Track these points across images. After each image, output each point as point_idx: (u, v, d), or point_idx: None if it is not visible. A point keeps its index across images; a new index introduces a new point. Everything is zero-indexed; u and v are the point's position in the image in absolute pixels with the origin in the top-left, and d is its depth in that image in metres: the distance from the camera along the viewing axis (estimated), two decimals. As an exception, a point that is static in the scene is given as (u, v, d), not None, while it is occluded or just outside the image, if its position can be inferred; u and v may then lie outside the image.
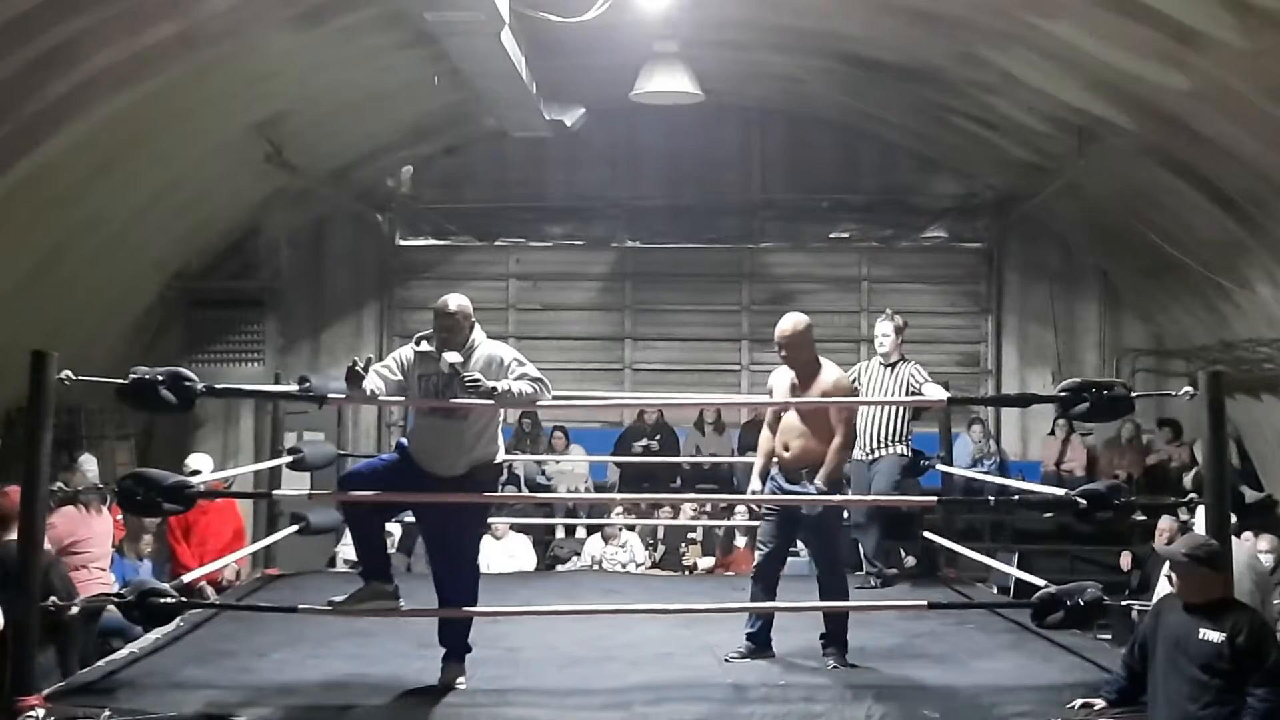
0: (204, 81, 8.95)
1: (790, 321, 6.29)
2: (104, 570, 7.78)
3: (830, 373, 6.27)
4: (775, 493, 6.30)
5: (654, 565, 10.59)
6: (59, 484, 7.66)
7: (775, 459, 6.36)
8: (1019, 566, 9.69)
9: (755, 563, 6.44)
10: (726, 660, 6.07)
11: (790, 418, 6.27)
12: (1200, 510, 5.90)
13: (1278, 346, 10.36)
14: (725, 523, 10.84)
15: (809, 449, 6.18)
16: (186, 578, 6.74)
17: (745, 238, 13.79)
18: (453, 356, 5.44)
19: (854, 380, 8.31)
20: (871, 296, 13.50)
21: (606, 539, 10.51)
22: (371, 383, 5.54)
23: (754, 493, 6.56)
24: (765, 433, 6.51)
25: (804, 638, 6.35)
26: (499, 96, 10.06)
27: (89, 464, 10.23)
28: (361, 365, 5.46)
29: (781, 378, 6.37)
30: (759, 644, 6.17)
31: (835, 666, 6.01)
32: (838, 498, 6.42)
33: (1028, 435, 13.45)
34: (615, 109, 11.76)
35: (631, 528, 10.74)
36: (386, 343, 13.52)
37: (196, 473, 8.29)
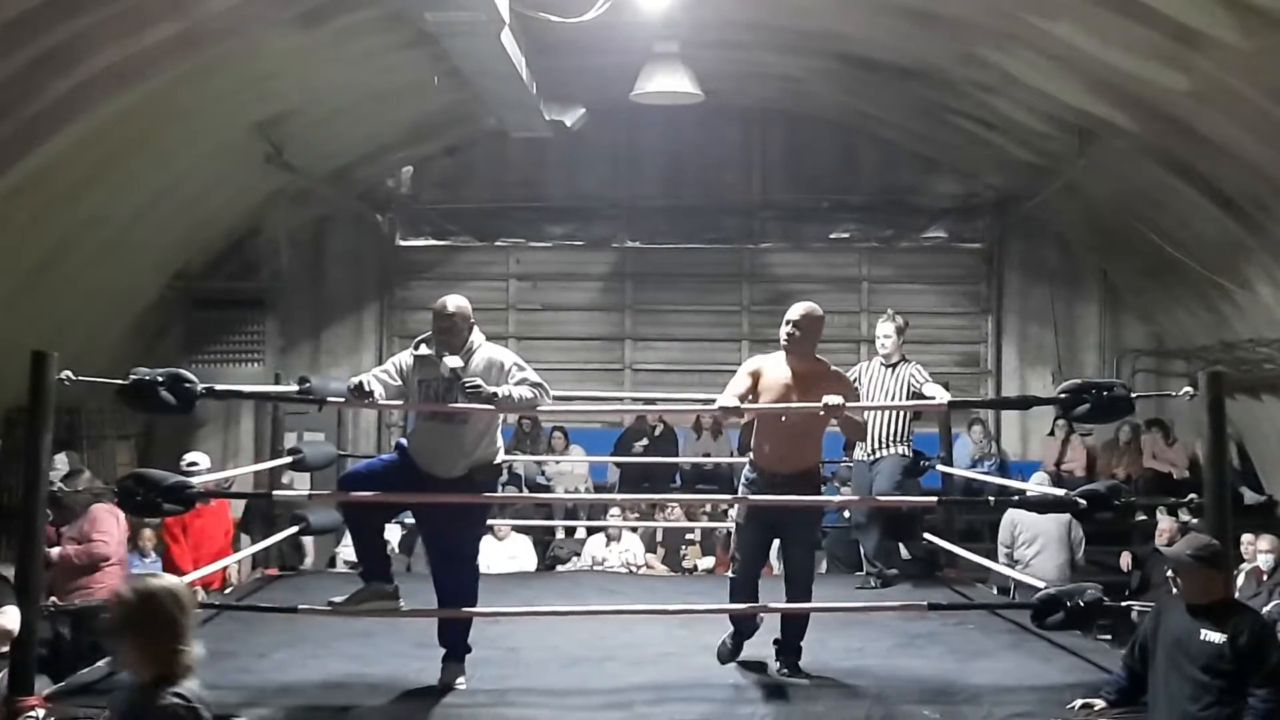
0: (204, 81, 8.95)
1: (807, 306, 5.92)
2: (119, 568, 7.80)
3: (835, 381, 5.86)
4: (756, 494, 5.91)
5: (652, 566, 10.58)
6: (58, 484, 7.67)
7: (755, 461, 5.95)
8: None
9: (735, 574, 6.07)
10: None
11: (787, 419, 5.82)
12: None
13: (1278, 347, 10.36)
14: (725, 524, 10.84)
15: (801, 453, 5.85)
16: (187, 579, 6.74)
17: (745, 238, 13.79)
18: (453, 361, 5.44)
19: (854, 380, 8.32)
20: (871, 297, 13.50)
21: (610, 539, 10.51)
22: (373, 390, 5.51)
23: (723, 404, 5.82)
24: (742, 382, 5.83)
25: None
26: (499, 96, 10.06)
27: (61, 463, 10.17)
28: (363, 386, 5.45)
29: (772, 367, 5.87)
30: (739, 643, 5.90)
31: (788, 674, 5.77)
32: (837, 498, 6.38)
33: (1028, 436, 13.44)
34: (615, 109, 11.75)
35: (633, 529, 10.74)
36: (386, 343, 13.54)
37: (194, 465, 8.32)
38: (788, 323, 5.84)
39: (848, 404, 5.73)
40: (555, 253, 13.91)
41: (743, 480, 6.04)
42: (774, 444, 5.84)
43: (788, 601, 5.95)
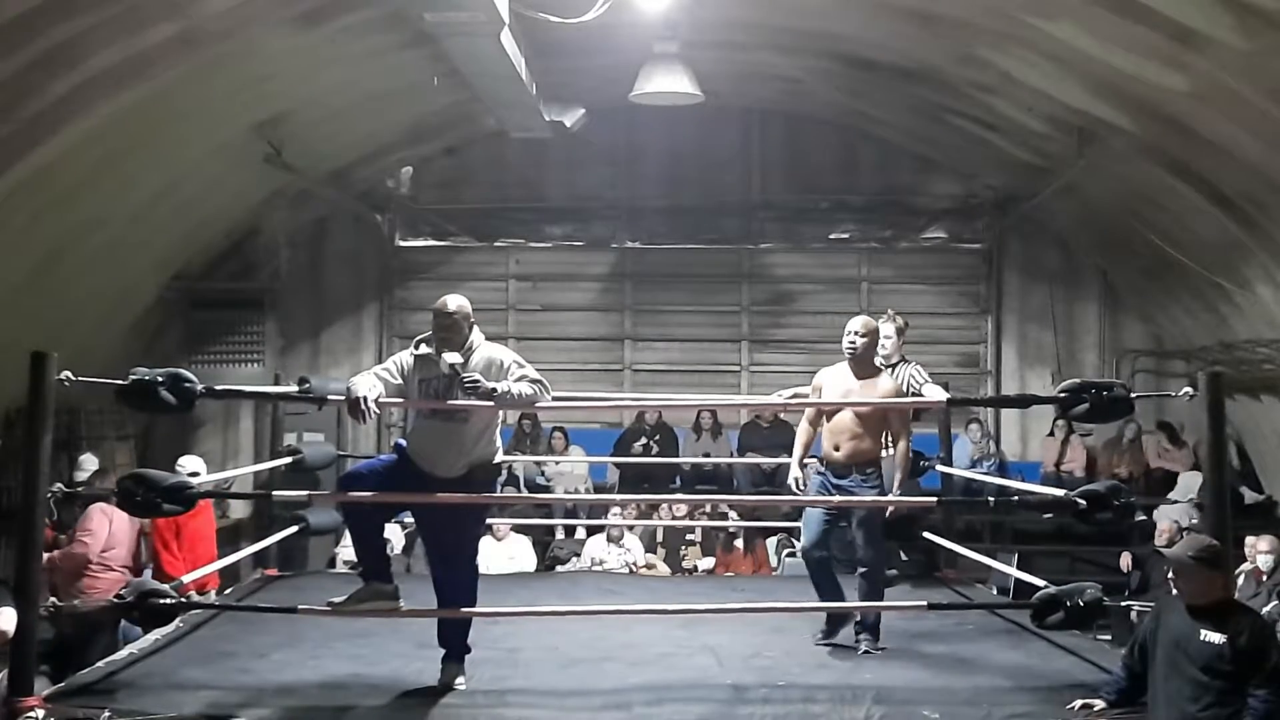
0: (204, 81, 8.95)
1: (866, 319, 6.63)
2: (129, 570, 7.75)
3: (890, 380, 6.68)
4: (823, 490, 6.46)
5: (652, 566, 10.58)
6: (58, 485, 7.65)
7: (824, 458, 6.52)
8: (1019, 567, 9.68)
9: (811, 565, 6.55)
10: (817, 643, 6.37)
11: (844, 418, 6.44)
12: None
13: (1277, 347, 10.36)
14: (724, 524, 10.84)
15: (860, 449, 6.39)
16: (186, 578, 6.73)
17: (745, 238, 13.79)
18: (452, 357, 5.44)
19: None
20: (871, 297, 13.49)
21: (611, 539, 10.51)
22: (374, 392, 5.47)
23: (794, 480, 6.70)
24: (805, 425, 6.75)
25: (804, 637, 6.36)
26: (499, 97, 10.06)
27: (90, 463, 10.25)
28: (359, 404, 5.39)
29: (835, 377, 6.54)
30: (834, 625, 6.49)
31: (866, 651, 6.25)
32: (836, 498, 6.44)
33: (1027, 436, 13.44)
34: (615, 109, 11.76)
35: (632, 528, 10.74)
36: (386, 343, 13.54)
37: (195, 474, 8.25)
38: (849, 334, 6.47)
39: (849, 403, 6.43)
40: (555, 253, 13.91)
41: (814, 471, 6.65)
42: (832, 440, 6.47)
43: (862, 587, 6.50)
